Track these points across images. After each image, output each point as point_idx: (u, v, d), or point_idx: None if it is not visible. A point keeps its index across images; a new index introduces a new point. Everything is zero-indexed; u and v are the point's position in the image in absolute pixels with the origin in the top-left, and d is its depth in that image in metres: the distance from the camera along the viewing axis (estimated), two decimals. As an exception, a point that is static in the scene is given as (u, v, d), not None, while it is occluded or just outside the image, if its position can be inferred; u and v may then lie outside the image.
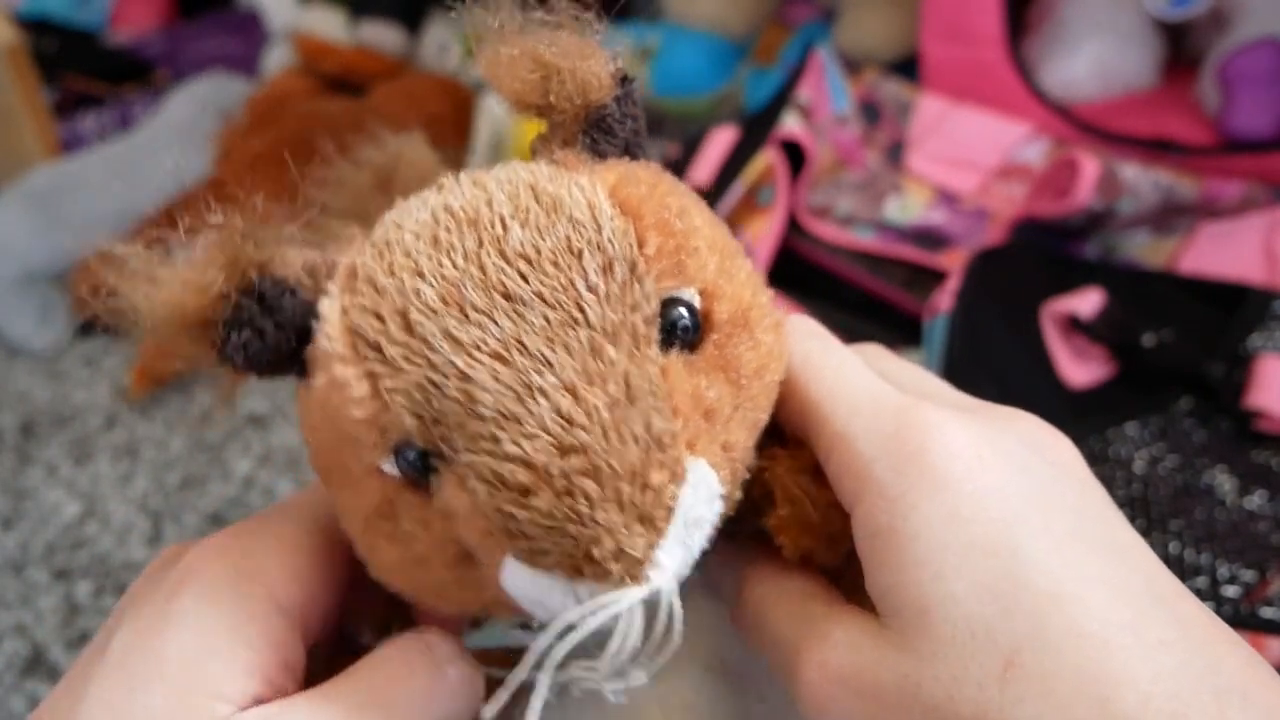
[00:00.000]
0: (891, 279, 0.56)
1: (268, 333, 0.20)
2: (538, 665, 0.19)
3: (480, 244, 0.20)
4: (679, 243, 0.21)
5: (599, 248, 0.20)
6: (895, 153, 0.65)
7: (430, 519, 0.20)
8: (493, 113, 0.70)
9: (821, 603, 0.22)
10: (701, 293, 0.21)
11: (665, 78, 0.77)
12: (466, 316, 0.19)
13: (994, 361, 0.47)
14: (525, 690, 0.20)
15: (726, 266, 0.22)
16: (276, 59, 0.86)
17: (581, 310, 0.19)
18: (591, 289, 0.19)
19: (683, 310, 0.21)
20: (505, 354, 0.19)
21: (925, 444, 0.20)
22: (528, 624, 0.23)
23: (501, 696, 0.20)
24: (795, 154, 0.58)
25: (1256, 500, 0.41)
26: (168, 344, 0.20)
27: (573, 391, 0.18)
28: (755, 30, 0.80)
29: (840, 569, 0.23)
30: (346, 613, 0.25)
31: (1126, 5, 0.64)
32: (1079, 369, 0.48)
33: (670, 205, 0.21)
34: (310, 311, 0.21)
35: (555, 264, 0.19)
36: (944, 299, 0.48)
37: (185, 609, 0.21)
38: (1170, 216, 0.55)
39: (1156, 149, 0.58)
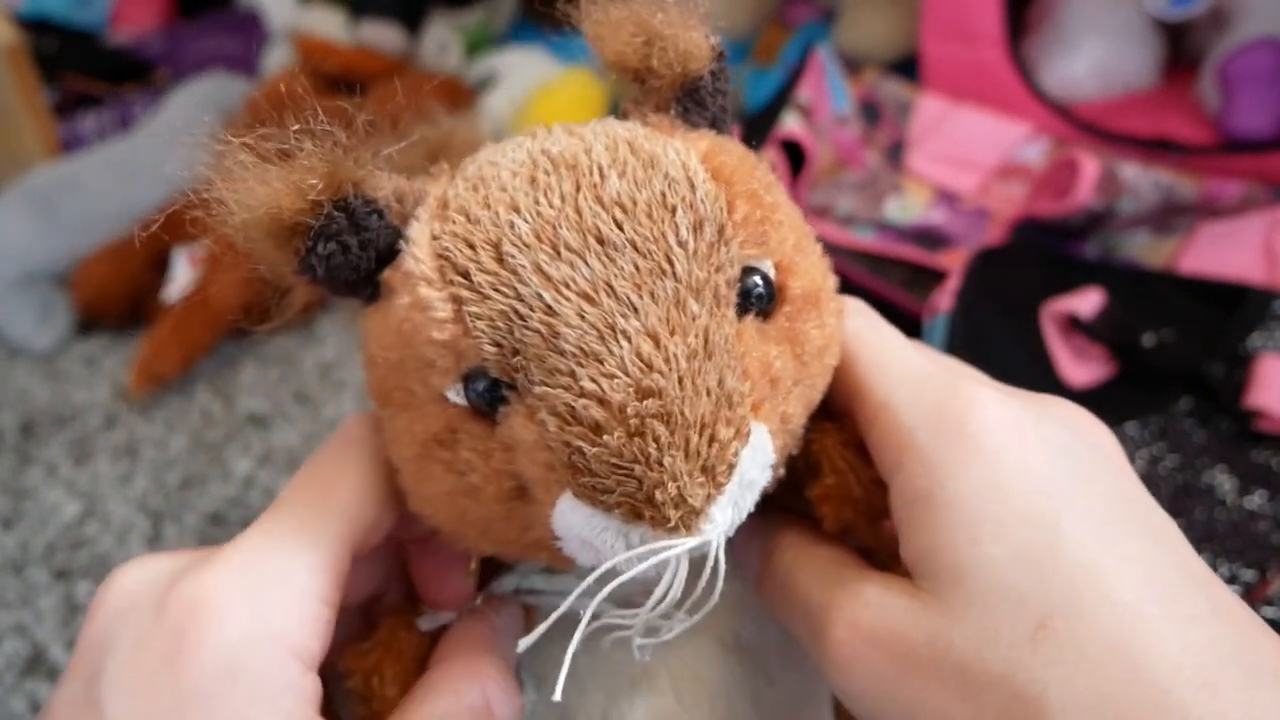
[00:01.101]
0: (891, 279, 0.56)
1: (351, 248, 0.21)
2: (581, 604, 0.20)
3: (578, 188, 0.20)
4: (764, 214, 0.22)
5: (691, 206, 0.20)
6: (895, 153, 0.65)
7: (491, 450, 0.20)
8: (494, 112, 0.69)
9: (852, 568, 0.22)
10: (778, 266, 0.22)
11: (665, 78, 0.77)
12: (559, 254, 0.19)
13: (994, 361, 0.46)
14: (557, 628, 0.20)
15: (803, 245, 0.23)
16: (276, 59, 0.86)
17: (670, 263, 0.20)
18: (681, 244, 0.20)
19: (759, 279, 0.21)
20: (593, 294, 0.19)
21: (967, 416, 0.21)
22: (550, 570, 0.24)
23: (539, 629, 0.20)
24: (795, 154, 0.58)
25: (1256, 500, 0.41)
26: (253, 245, 0.21)
27: (654, 338, 0.19)
28: (755, 30, 0.80)
29: (872, 549, 0.23)
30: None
31: (1126, 5, 0.64)
32: (1079, 369, 0.48)
33: (759, 178, 0.22)
34: (395, 235, 0.21)
35: (649, 215, 0.20)
36: (944, 299, 0.48)
37: (208, 688, 0.19)
38: (1170, 216, 0.55)
39: (1156, 149, 0.58)
